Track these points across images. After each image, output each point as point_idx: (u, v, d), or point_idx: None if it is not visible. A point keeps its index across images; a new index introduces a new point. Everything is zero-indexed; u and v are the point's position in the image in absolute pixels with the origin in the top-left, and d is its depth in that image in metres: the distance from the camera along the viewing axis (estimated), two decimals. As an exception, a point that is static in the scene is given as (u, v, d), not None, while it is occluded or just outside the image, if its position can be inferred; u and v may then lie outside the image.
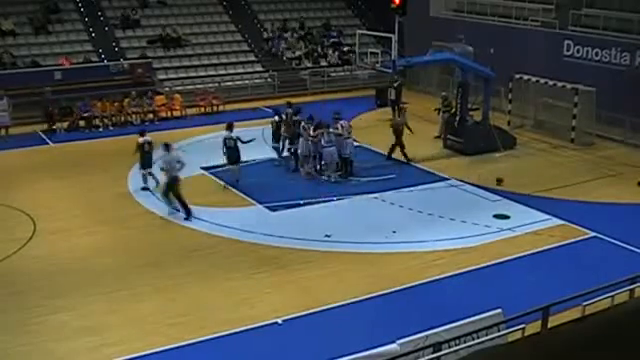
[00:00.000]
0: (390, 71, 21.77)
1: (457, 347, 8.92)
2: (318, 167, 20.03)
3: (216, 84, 29.40)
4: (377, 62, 22.41)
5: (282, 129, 20.43)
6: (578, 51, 24.59)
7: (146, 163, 18.75)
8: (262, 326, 12.11)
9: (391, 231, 16.05)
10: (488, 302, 11.15)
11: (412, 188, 19.00)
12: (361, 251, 15.14)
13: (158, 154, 18.42)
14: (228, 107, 28.01)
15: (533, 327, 8.84)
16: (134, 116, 26.12)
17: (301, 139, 19.76)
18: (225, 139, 19.03)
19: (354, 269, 14.34)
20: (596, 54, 24.02)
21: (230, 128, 19.11)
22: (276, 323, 12.21)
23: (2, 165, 21.45)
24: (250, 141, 19.50)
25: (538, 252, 15.02)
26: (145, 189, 18.69)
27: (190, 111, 27.45)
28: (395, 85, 26.50)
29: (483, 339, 9.12)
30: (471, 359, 7.86)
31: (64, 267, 14.51)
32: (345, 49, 33.19)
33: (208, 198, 18.24)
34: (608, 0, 24.98)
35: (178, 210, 16.99)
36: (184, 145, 23.09)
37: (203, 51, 31.51)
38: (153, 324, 12.24)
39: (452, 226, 16.42)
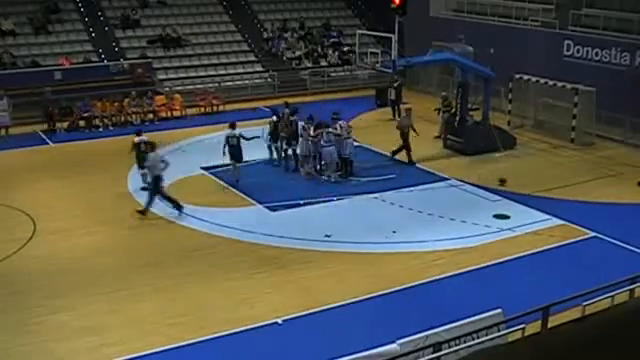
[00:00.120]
0: (390, 71, 21.77)
1: (457, 347, 8.92)
2: (318, 167, 20.04)
3: (216, 84, 29.40)
4: (377, 62, 22.39)
5: (279, 128, 20.41)
6: (578, 51, 24.58)
7: (143, 163, 18.76)
8: (262, 326, 12.11)
9: (391, 231, 16.05)
10: (488, 302, 11.15)
11: (412, 188, 19.00)
12: (361, 251, 15.14)
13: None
14: (228, 107, 28.02)
15: (533, 327, 8.83)
16: (134, 116, 26.12)
17: (301, 139, 19.78)
18: (228, 137, 19.04)
19: (354, 269, 14.34)
20: (596, 54, 24.01)
21: (233, 127, 19.15)
22: (276, 323, 12.21)
23: (2, 165, 21.45)
24: (253, 138, 19.49)
25: (538, 252, 15.01)
26: (145, 189, 18.66)
27: (190, 111, 27.45)
28: (395, 85, 26.55)
29: (483, 339, 9.12)
30: (471, 359, 7.86)
31: (64, 267, 14.51)
32: (345, 49, 33.18)
33: (208, 198, 18.25)
34: (608, 0, 24.98)
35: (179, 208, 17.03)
36: (184, 145, 23.13)
37: (203, 51, 31.52)
38: (153, 324, 12.24)
39: (452, 226, 16.42)
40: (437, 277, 13.84)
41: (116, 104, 26.01)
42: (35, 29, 29.54)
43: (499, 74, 22.41)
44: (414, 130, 21.15)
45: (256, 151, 20.54)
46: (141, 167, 18.80)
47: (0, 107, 24.24)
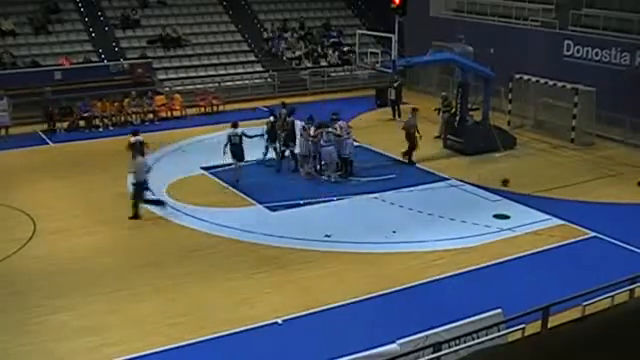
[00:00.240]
0: (390, 71, 21.76)
1: (457, 347, 8.92)
2: (318, 167, 20.03)
3: (216, 84, 29.39)
4: (377, 62, 22.39)
5: (276, 129, 20.38)
6: (578, 51, 24.58)
7: None
8: (262, 326, 12.12)
9: (391, 231, 16.05)
10: (488, 302, 11.16)
11: (412, 188, 19.00)
12: (361, 251, 15.14)
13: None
14: (228, 107, 28.01)
15: (533, 327, 8.84)
16: (134, 116, 26.11)
17: (301, 139, 19.77)
18: (230, 136, 19.04)
19: (354, 269, 14.34)
20: (596, 54, 24.01)
21: (235, 126, 19.16)
22: (276, 323, 12.21)
23: (2, 165, 21.45)
24: (256, 136, 19.47)
25: (538, 252, 15.02)
26: (146, 189, 18.65)
27: (190, 111, 27.44)
28: (395, 85, 26.56)
29: (483, 339, 9.12)
30: (471, 359, 7.86)
31: (64, 267, 14.51)
32: (345, 49, 33.18)
33: (208, 198, 18.25)
34: (608, 0, 24.98)
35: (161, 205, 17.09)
36: (184, 145, 23.13)
37: (203, 51, 31.51)
38: (153, 324, 12.24)
39: (452, 226, 16.42)
40: (437, 277, 13.84)
41: (116, 104, 26.00)
42: (35, 29, 29.53)
43: (499, 74, 22.41)
44: (417, 131, 21.12)
45: (256, 151, 20.53)
46: None
47: (0, 107, 24.23)
